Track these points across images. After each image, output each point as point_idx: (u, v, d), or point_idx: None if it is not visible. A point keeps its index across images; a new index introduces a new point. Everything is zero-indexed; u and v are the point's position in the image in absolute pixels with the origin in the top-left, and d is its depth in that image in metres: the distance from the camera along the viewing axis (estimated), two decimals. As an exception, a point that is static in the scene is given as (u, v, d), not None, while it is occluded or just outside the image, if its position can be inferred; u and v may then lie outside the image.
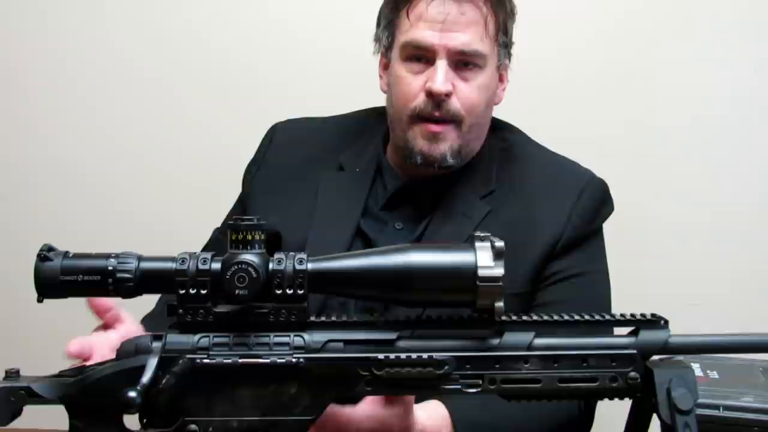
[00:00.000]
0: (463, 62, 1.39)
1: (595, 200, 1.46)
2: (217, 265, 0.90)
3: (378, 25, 1.49)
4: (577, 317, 0.95)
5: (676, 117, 2.07)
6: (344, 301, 1.36)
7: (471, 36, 1.38)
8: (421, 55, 1.39)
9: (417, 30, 1.38)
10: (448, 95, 1.37)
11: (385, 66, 1.49)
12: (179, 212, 2.08)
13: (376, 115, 1.56)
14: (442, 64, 1.37)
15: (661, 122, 2.08)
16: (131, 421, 0.93)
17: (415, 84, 1.39)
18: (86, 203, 2.20)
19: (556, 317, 0.95)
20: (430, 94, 1.37)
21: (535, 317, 0.95)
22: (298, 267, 0.90)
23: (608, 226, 1.52)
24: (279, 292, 0.90)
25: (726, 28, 2.05)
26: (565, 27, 2.08)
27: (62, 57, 2.18)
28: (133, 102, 2.18)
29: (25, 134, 2.22)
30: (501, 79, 1.49)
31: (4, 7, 2.18)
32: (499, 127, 1.54)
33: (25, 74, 2.20)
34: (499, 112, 1.54)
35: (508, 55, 1.48)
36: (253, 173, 1.58)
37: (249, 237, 0.90)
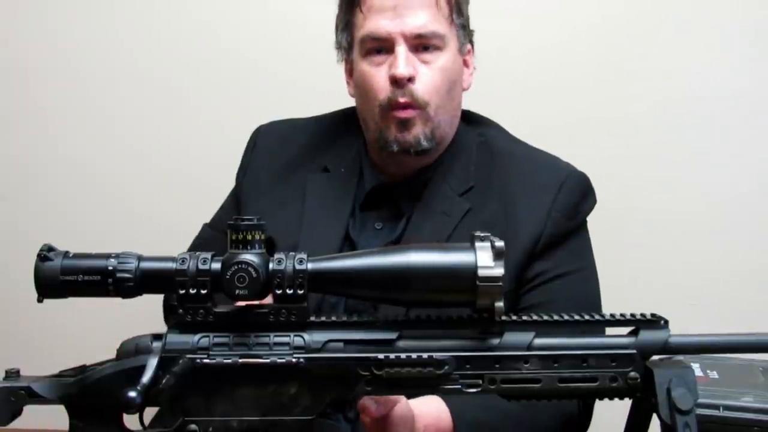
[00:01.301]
0: (422, 46, 1.39)
1: (575, 195, 1.44)
2: (217, 265, 0.90)
3: (336, 30, 1.50)
4: (576, 317, 0.95)
5: (675, 114, 2.06)
6: (336, 302, 1.36)
7: (425, 17, 1.38)
8: (381, 47, 1.40)
9: (371, 21, 1.39)
10: (410, 79, 1.37)
11: (350, 72, 1.49)
12: (186, 213, 2.07)
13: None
14: (401, 50, 1.38)
15: (659, 120, 2.07)
16: (131, 421, 0.93)
17: (379, 76, 1.40)
18: (88, 203, 2.19)
19: (556, 317, 0.95)
20: (395, 81, 1.37)
21: (535, 317, 0.95)
22: (298, 267, 0.91)
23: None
24: (279, 292, 0.91)
25: (709, 18, 2.04)
26: (547, 19, 2.06)
27: (70, 56, 2.17)
28: (139, 102, 2.17)
29: (30, 134, 2.21)
30: (466, 64, 1.49)
31: (11, 6, 2.18)
32: (475, 121, 1.54)
33: (35, 74, 2.19)
34: (479, 105, 1.53)
35: (470, 40, 1.49)
36: (240, 178, 1.58)
37: (249, 237, 0.90)
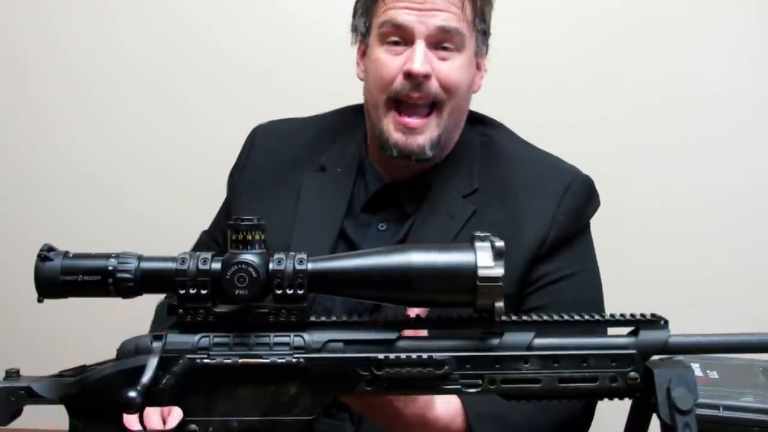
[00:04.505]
0: (441, 44, 1.38)
1: (580, 198, 1.44)
2: (217, 265, 0.90)
3: (354, 14, 1.48)
4: (576, 317, 0.95)
5: (674, 113, 2.07)
6: (330, 306, 1.36)
7: (449, 15, 1.37)
8: (399, 38, 1.38)
9: (394, 10, 1.37)
10: (427, 77, 1.35)
11: (363, 53, 1.47)
12: (186, 213, 2.07)
13: (357, 112, 1.54)
14: (420, 45, 1.36)
15: (658, 119, 2.08)
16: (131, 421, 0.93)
17: (393, 66, 1.37)
18: (88, 203, 2.20)
19: (555, 317, 0.95)
20: (409, 76, 1.35)
21: (535, 317, 0.95)
22: (298, 267, 0.90)
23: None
24: (279, 292, 0.91)
25: (712, 19, 2.04)
26: (545, 18, 2.07)
27: (69, 56, 2.18)
28: (139, 102, 2.18)
29: (30, 134, 2.21)
30: (478, 67, 1.48)
31: (11, 6, 2.18)
32: (479, 121, 1.53)
33: (35, 74, 2.20)
34: (482, 104, 1.53)
35: (486, 45, 1.48)
36: (235, 179, 1.56)
37: (249, 237, 0.90)
